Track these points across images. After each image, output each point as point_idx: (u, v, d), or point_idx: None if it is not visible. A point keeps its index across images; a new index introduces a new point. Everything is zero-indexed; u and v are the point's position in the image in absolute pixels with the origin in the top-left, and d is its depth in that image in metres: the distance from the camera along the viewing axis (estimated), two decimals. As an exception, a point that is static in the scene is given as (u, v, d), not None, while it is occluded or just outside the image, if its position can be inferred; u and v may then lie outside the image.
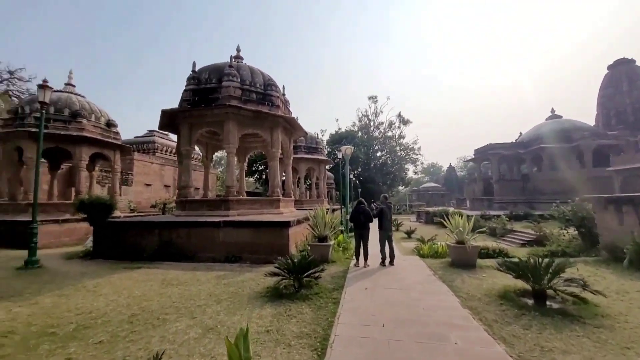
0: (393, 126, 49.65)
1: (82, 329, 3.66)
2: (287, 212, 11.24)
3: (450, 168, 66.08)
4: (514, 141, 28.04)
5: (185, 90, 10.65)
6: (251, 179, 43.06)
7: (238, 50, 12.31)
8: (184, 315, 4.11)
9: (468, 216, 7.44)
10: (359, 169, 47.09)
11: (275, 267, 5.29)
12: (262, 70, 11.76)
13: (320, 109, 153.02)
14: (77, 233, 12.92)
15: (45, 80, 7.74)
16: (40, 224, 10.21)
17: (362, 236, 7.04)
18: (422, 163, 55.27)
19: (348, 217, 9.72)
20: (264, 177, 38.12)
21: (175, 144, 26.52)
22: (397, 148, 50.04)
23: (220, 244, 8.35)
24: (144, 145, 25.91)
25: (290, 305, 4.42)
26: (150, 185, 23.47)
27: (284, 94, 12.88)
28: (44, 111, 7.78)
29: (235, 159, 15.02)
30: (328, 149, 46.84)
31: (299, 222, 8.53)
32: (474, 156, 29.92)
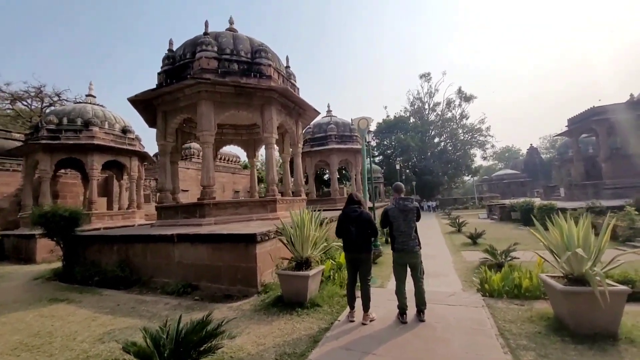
0: (452, 105, 42.64)
1: None
2: (288, 216, 8.44)
3: (532, 150, 54.26)
4: (629, 99, 20.08)
5: (158, 73, 8.73)
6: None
7: (231, 22, 9.94)
8: None
9: (552, 209, 3.48)
10: (414, 159, 41.59)
11: (130, 346, 2.52)
12: (251, 37, 9.21)
13: (368, 99, 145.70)
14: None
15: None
16: (40, 237, 9.65)
17: (356, 265, 3.81)
18: (492, 146, 46.48)
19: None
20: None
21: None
22: (460, 131, 42.79)
23: (176, 265, 6.03)
24: (183, 151, 26.14)
25: None
26: (187, 191, 23.29)
27: (287, 66, 10.15)
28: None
29: (246, 154, 13.01)
30: (377, 141, 42.62)
31: (278, 233, 5.61)
32: (567, 128, 22.54)
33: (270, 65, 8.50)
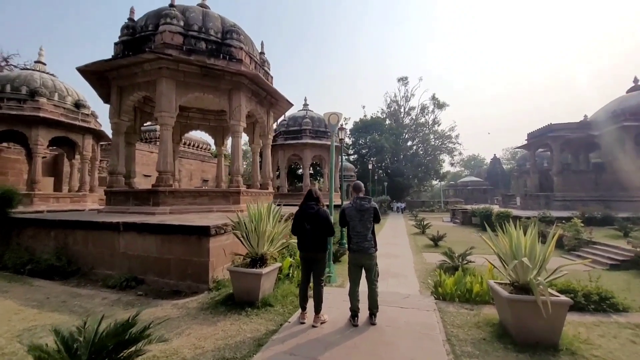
0: (426, 111, 44.03)
1: None
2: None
3: (495, 160, 57.86)
4: (582, 120, 21.93)
5: (115, 44, 7.90)
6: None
7: None
8: None
9: (507, 217, 3.60)
10: (387, 161, 42.50)
11: (34, 350, 2.15)
12: (224, 16, 8.63)
13: (346, 97, 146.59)
14: None
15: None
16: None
17: (310, 264, 3.63)
18: (460, 154, 48.71)
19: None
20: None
21: (189, 136, 24.93)
22: (431, 136, 44.37)
23: (121, 256, 5.50)
24: (148, 134, 24.50)
25: None
26: (149, 176, 21.84)
27: (262, 52, 9.71)
28: None
29: (214, 141, 12.34)
30: (352, 139, 42.94)
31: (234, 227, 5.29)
32: (526, 141, 24.14)
33: (241, 49, 8.02)
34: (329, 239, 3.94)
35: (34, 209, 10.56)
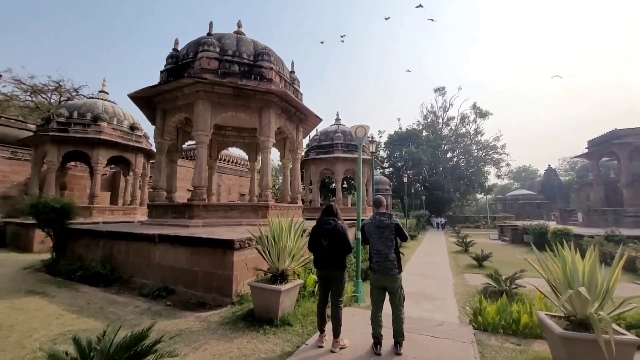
0: (467, 120, 41.71)
1: None
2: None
3: (550, 171, 52.17)
4: (657, 126, 18.96)
5: (161, 72, 8.74)
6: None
7: (239, 25, 9.94)
8: None
9: (567, 234, 3.01)
10: (424, 173, 40.70)
11: (52, 357, 2.25)
12: (256, 40, 9.13)
13: (381, 110, 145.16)
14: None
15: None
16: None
17: (327, 283, 3.45)
18: (508, 165, 44.99)
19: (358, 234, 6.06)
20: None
21: (227, 152, 26.52)
22: (473, 147, 41.69)
23: (156, 267, 5.80)
24: (191, 152, 26.43)
25: None
26: (191, 190, 23.45)
27: (292, 71, 10.02)
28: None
29: (248, 157, 12.82)
30: (387, 152, 42.04)
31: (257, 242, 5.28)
32: (587, 149, 21.46)
33: (271, 69, 8.35)
34: (348, 256, 3.72)
35: (92, 220, 11.80)
